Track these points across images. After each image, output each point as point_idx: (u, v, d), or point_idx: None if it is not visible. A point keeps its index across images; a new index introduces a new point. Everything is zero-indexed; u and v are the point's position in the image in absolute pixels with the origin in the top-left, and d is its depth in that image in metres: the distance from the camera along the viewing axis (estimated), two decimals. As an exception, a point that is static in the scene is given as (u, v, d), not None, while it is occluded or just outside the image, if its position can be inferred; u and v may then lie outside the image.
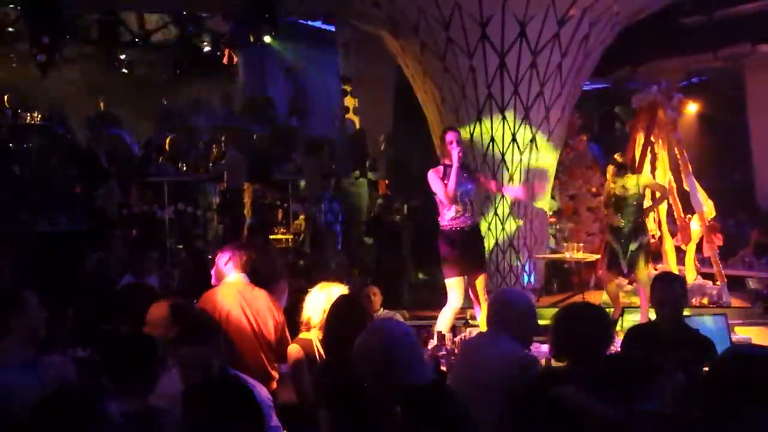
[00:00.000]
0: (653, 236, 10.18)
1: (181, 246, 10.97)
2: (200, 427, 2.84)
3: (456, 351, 6.44)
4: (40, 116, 12.41)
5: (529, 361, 4.14)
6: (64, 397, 2.78)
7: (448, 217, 7.21)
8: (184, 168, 12.34)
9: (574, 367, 3.74)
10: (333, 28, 14.79)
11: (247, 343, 5.05)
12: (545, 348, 5.13)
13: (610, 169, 8.87)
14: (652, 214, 9.95)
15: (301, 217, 12.33)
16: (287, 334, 5.23)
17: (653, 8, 10.27)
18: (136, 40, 13.51)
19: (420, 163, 13.10)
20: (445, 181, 7.11)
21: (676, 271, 9.61)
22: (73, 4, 11.66)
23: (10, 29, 12.23)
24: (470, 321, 8.15)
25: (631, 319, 8.23)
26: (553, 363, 4.34)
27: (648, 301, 8.43)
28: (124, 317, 4.72)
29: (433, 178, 7.17)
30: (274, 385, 5.14)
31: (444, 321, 7.17)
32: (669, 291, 4.64)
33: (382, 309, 7.40)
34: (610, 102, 14.61)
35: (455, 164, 7.03)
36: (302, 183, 12.73)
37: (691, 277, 9.83)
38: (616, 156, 8.95)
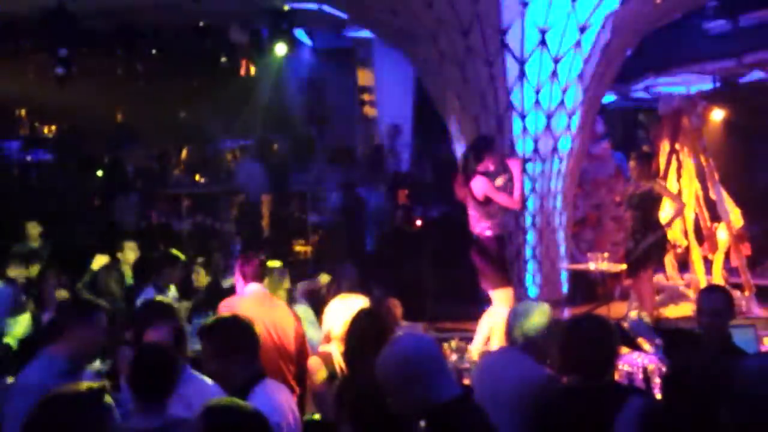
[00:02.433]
0: (679, 246, 10.02)
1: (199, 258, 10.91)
2: None
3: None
4: (57, 129, 12.45)
5: (550, 379, 4.07)
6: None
7: (499, 223, 7.14)
8: (202, 180, 12.32)
9: (581, 382, 3.69)
10: (352, 38, 14.76)
11: (268, 356, 4.99)
12: None
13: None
14: (678, 223, 9.79)
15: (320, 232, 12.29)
16: (307, 345, 5.17)
17: (676, 14, 10.15)
18: (153, 51, 13.53)
19: (440, 173, 13.02)
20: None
21: (703, 280, 9.46)
22: (90, 16, 11.68)
23: (27, 42, 12.28)
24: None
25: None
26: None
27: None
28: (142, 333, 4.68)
29: (489, 185, 7.06)
30: (294, 398, 5.06)
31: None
32: (710, 301, 4.54)
33: (403, 321, 7.27)
34: (634, 109, 14.49)
35: (517, 171, 7.19)
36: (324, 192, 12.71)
37: (719, 287, 9.64)
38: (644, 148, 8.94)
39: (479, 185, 7.09)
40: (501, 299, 7.16)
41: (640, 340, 4.75)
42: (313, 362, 4.79)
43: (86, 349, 4.00)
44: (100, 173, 11.79)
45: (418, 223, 11.76)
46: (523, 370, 4.02)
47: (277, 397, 3.74)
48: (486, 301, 7.54)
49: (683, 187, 9.93)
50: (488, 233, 7.13)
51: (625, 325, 4.68)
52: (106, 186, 10.97)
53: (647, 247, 8.53)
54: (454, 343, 7.41)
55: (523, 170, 7.57)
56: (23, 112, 12.66)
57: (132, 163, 11.88)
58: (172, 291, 7.43)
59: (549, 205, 9.73)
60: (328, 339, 4.82)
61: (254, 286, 5.34)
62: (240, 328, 3.89)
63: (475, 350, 7.01)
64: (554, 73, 9.29)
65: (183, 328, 4.30)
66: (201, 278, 8.27)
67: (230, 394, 3.74)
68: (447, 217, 11.70)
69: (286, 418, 3.69)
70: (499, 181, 7.37)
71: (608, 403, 3.54)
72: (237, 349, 3.80)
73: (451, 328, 8.71)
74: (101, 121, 13.82)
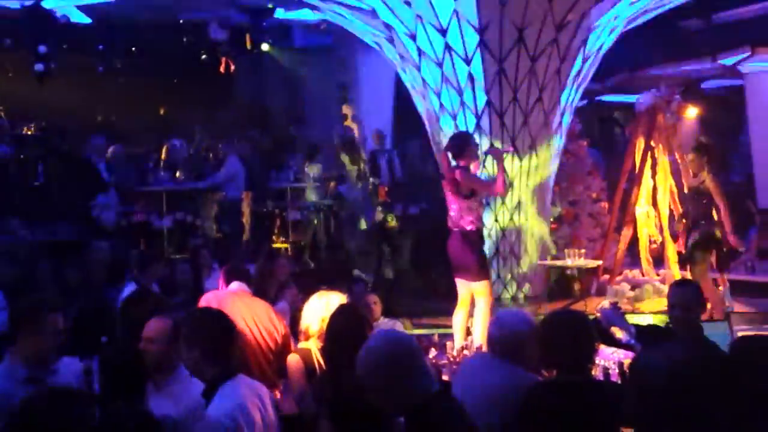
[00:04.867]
0: (654, 241, 10.13)
1: (179, 256, 10.90)
2: None
3: (458, 360, 6.40)
4: (37, 127, 12.38)
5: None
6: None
7: (479, 218, 7.27)
8: (182, 177, 12.31)
9: (560, 377, 3.74)
10: (332, 35, 14.78)
11: (248, 350, 5.05)
12: None
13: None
14: (654, 219, 9.93)
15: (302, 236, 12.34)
16: (291, 346, 5.21)
17: (652, 12, 10.25)
18: (132, 48, 13.51)
19: (419, 170, 13.09)
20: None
21: (678, 276, 9.57)
22: (70, 13, 11.65)
23: (6, 39, 12.23)
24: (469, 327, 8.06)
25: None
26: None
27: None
28: (128, 325, 4.65)
29: (472, 177, 7.25)
30: (277, 394, 5.12)
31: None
32: (680, 295, 4.62)
33: (382, 318, 7.33)
34: (610, 107, 14.61)
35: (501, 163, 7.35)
36: (303, 189, 12.72)
37: (693, 282, 9.75)
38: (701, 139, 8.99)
39: (468, 175, 7.21)
40: (480, 291, 7.26)
41: (614, 329, 4.82)
42: (292, 359, 4.84)
43: (39, 352, 3.86)
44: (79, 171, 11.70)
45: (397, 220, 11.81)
46: (509, 378, 3.99)
47: (242, 396, 3.71)
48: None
49: (658, 184, 10.03)
50: (470, 227, 7.23)
51: (597, 314, 4.71)
52: (86, 184, 10.91)
53: (693, 243, 8.60)
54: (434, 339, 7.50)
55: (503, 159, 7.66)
56: (1, 109, 12.57)
57: (110, 160, 11.82)
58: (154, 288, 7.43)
59: (527, 202, 9.84)
60: (306, 335, 4.87)
61: (236, 284, 5.42)
62: (215, 323, 3.87)
63: (456, 348, 7.08)
64: (532, 71, 9.39)
65: (179, 320, 4.27)
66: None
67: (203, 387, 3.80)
68: (426, 214, 11.77)
69: (248, 417, 3.65)
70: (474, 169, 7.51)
71: (586, 399, 3.61)
72: (207, 342, 3.78)
73: (431, 324, 8.79)
74: (81, 118, 13.79)
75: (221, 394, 3.68)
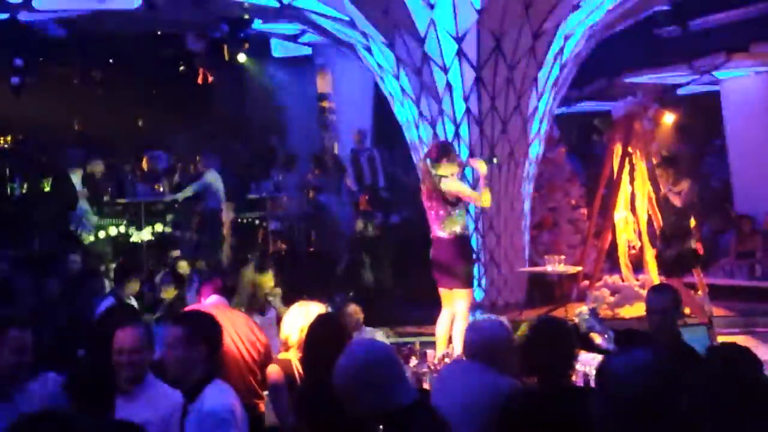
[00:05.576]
0: (633, 246, 10.18)
1: (159, 267, 10.84)
2: None
3: (438, 368, 6.39)
4: (13, 139, 12.33)
5: (516, 389, 4.04)
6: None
7: (464, 226, 7.28)
8: (161, 189, 12.25)
9: (540, 384, 3.74)
10: (310, 45, 14.78)
11: (232, 362, 5.02)
12: None
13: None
14: (632, 225, 9.97)
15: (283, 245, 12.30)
16: (272, 356, 5.21)
17: (628, 20, 10.34)
18: (111, 60, 13.45)
19: (399, 178, 13.10)
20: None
21: (656, 281, 9.62)
22: (46, 25, 11.59)
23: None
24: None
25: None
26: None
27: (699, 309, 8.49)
28: (103, 339, 4.62)
29: (461, 184, 7.22)
30: (262, 406, 5.10)
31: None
32: (657, 300, 4.63)
33: (363, 327, 7.31)
34: (588, 114, 14.67)
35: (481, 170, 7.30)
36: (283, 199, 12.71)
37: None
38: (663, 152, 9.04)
39: (455, 183, 7.22)
40: (462, 298, 7.26)
41: (592, 335, 4.82)
42: (272, 369, 4.82)
43: (2, 369, 3.75)
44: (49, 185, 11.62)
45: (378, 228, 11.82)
46: (487, 382, 4.00)
47: (229, 396, 3.76)
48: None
49: (636, 190, 10.08)
50: (458, 233, 7.24)
51: (576, 320, 4.72)
52: (60, 196, 10.85)
53: (676, 253, 8.63)
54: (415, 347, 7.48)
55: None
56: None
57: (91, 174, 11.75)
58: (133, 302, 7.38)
59: (506, 209, 9.87)
60: (286, 346, 4.85)
61: (214, 298, 5.40)
62: (210, 322, 3.92)
63: (437, 356, 7.07)
64: (509, 80, 9.43)
65: (151, 330, 4.25)
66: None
67: (184, 389, 3.77)
68: (407, 222, 11.77)
69: (239, 415, 3.70)
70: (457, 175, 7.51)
71: (566, 405, 3.59)
72: (203, 340, 3.79)
73: (413, 332, 8.78)
74: (58, 131, 13.71)
75: (213, 390, 3.70)
